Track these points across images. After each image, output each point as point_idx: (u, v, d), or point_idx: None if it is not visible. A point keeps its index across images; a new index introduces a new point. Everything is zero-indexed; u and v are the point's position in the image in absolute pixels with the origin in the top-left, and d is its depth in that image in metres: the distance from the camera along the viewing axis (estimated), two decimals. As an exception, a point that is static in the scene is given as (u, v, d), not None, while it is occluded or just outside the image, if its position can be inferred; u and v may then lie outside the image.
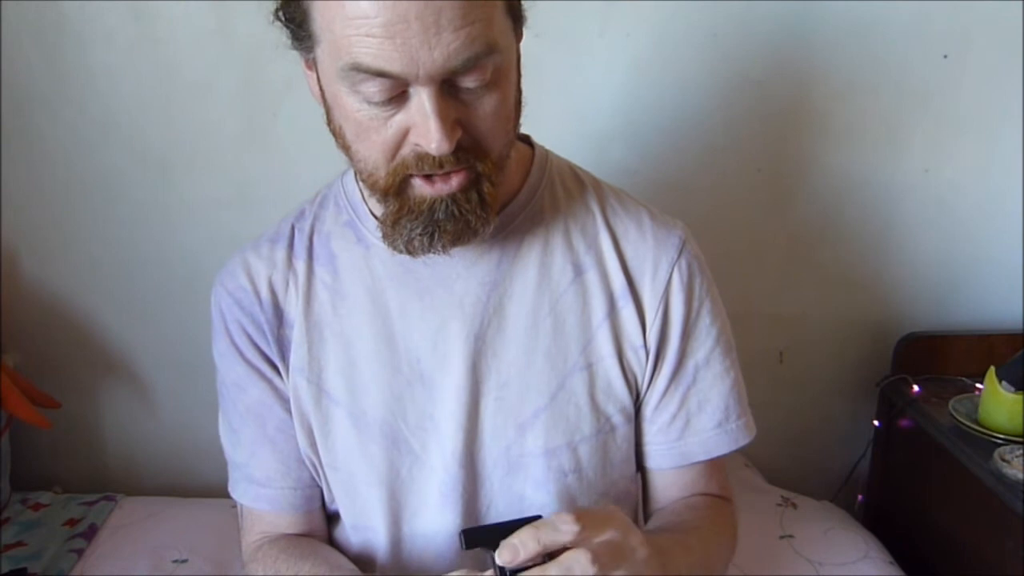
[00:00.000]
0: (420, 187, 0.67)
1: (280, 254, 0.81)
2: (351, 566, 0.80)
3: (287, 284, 0.80)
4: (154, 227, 1.45)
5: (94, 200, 1.43)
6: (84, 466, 1.60)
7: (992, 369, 1.27)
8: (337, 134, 0.69)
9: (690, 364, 0.81)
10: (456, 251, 0.74)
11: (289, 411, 0.81)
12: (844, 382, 1.57)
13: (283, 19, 0.66)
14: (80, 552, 1.30)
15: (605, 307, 0.78)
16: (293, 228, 0.82)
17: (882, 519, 1.49)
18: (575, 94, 1.37)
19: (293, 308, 0.80)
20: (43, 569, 1.26)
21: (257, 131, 1.38)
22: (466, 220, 0.68)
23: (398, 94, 0.62)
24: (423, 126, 0.62)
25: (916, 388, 1.41)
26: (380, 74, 0.60)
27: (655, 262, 0.79)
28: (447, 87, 0.62)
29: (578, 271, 0.79)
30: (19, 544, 1.33)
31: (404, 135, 0.64)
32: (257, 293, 0.80)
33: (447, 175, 0.66)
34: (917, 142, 1.41)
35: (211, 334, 0.84)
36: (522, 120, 0.83)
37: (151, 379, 1.55)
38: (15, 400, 1.35)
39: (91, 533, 1.36)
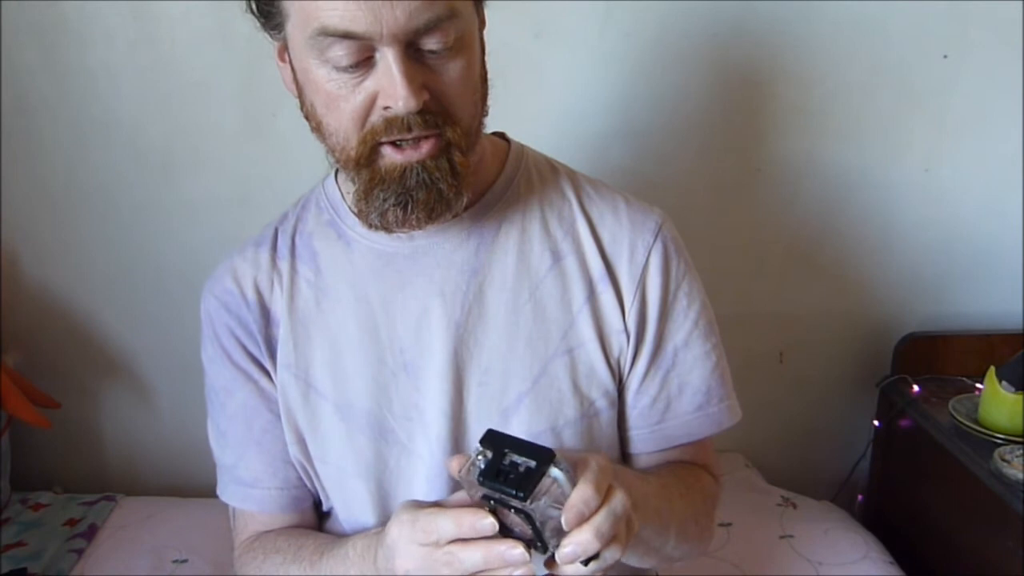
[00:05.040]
0: (390, 155, 0.68)
1: (264, 256, 0.83)
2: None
3: (272, 284, 0.82)
4: (154, 227, 1.45)
5: (94, 200, 1.43)
6: (84, 466, 1.60)
7: (992, 369, 1.27)
8: (309, 115, 0.71)
9: (669, 346, 0.82)
10: (435, 239, 0.76)
11: (275, 413, 0.82)
12: (844, 382, 1.57)
13: (254, 6, 0.69)
14: (80, 552, 1.30)
15: (584, 292, 0.79)
16: (276, 231, 0.84)
17: (882, 519, 1.49)
18: (575, 94, 1.37)
19: (279, 307, 0.81)
20: (43, 569, 1.26)
21: (257, 131, 1.38)
22: (438, 189, 0.69)
23: (364, 59, 0.64)
24: (390, 87, 0.64)
25: (916, 388, 1.41)
26: (346, 35, 0.63)
27: (631, 245, 0.80)
28: (412, 51, 0.65)
29: (556, 257, 0.80)
30: (19, 544, 1.33)
31: (372, 101, 0.66)
32: (244, 295, 0.82)
33: (417, 142, 0.67)
34: (917, 142, 1.41)
35: (200, 340, 0.85)
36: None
37: (151, 379, 1.55)
38: (15, 400, 1.35)
39: (91, 533, 1.36)
